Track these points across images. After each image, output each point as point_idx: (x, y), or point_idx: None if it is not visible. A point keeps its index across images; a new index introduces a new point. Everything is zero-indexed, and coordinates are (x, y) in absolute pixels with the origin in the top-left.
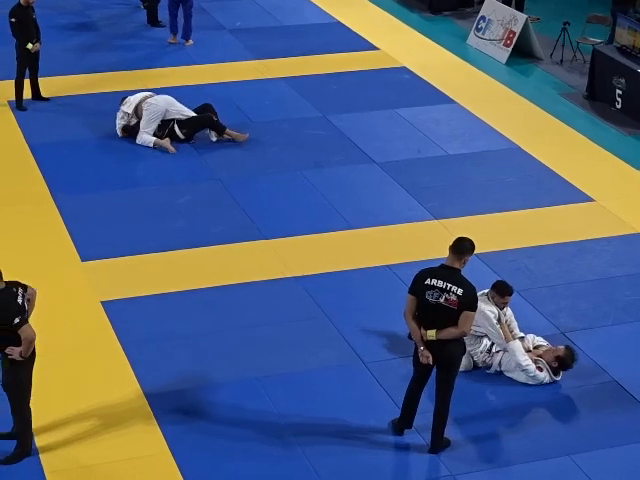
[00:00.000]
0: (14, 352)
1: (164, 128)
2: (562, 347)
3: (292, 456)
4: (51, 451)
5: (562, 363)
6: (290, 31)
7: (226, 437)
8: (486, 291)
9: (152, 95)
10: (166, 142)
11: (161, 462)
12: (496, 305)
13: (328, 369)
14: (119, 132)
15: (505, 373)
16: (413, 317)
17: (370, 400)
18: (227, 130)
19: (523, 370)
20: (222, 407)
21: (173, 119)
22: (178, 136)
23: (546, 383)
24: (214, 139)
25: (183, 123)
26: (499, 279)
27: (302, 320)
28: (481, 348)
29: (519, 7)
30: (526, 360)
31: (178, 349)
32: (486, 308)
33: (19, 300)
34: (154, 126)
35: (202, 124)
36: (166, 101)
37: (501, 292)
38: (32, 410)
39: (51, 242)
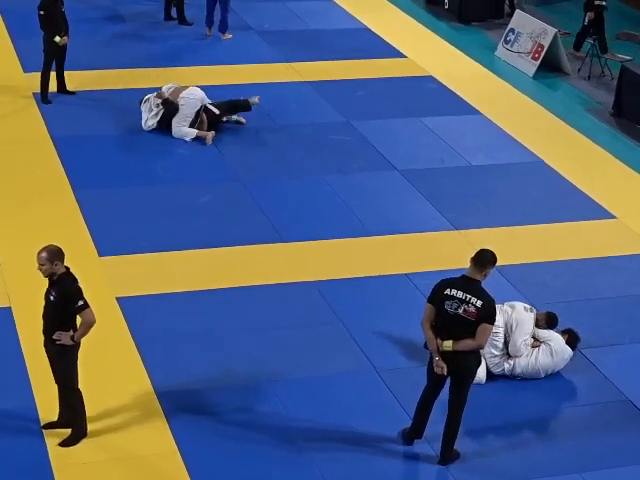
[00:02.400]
0: (62, 337)
1: (197, 116)
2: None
3: (301, 461)
4: (59, 447)
5: (568, 334)
6: (318, 35)
7: (235, 438)
8: (531, 307)
9: (182, 87)
10: (209, 134)
11: (169, 461)
12: (536, 327)
13: (341, 375)
14: (149, 126)
15: (523, 369)
16: (430, 326)
17: (381, 408)
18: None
19: (545, 339)
20: (233, 408)
21: (203, 105)
22: (213, 112)
23: (565, 357)
24: (233, 118)
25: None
26: (550, 312)
27: (317, 325)
28: (497, 359)
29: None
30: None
31: (191, 348)
32: (528, 320)
33: (79, 284)
34: (191, 119)
35: (227, 108)
36: (201, 95)
37: (551, 324)
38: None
39: (70, 235)
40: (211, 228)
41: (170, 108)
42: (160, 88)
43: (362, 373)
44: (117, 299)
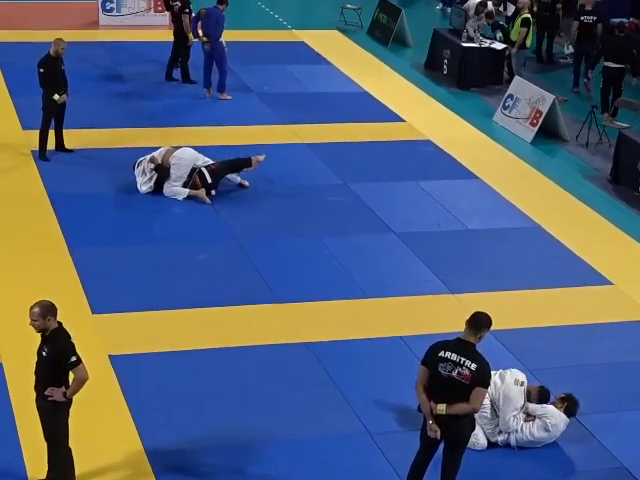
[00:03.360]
0: (55, 393)
1: (191, 175)
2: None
3: None
4: None
5: (567, 401)
6: (317, 98)
7: None
8: (523, 379)
9: (174, 148)
10: (201, 192)
11: None
12: (527, 400)
13: (333, 438)
14: (144, 191)
15: (518, 441)
16: (424, 389)
17: (374, 472)
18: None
19: (540, 415)
20: (224, 469)
21: (197, 168)
22: (206, 180)
23: (560, 427)
24: (238, 180)
25: (210, 169)
26: (544, 386)
27: (310, 387)
28: (492, 426)
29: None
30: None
31: (183, 408)
32: (517, 395)
33: (72, 339)
34: (184, 178)
35: (227, 168)
36: (192, 156)
37: (543, 399)
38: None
39: (63, 292)
40: (206, 287)
41: (163, 173)
42: (155, 149)
43: (355, 436)
44: (109, 357)
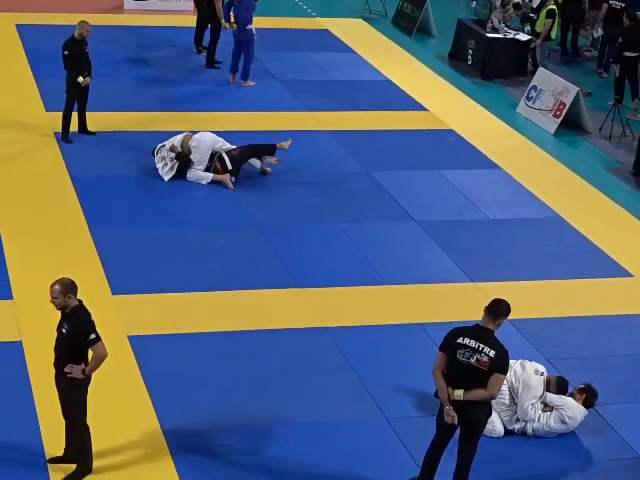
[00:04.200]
0: (74, 370)
1: (212, 160)
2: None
3: None
4: None
5: (587, 393)
6: (341, 86)
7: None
8: (543, 370)
9: (192, 134)
10: (226, 177)
11: None
12: (546, 390)
13: (350, 422)
14: (168, 176)
15: (535, 431)
16: (441, 375)
17: (390, 456)
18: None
19: (558, 406)
20: (240, 450)
21: (217, 153)
22: (226, 165)
23: (578, 419)
24: (258, 166)
25: (229, 152)
26: (563, 377)
27: (328, 371)
28: (509, 413)
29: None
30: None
31: (200, 389)
32: (537, 384)
33: (92, 317)
34: (206, 162)
35: (245, 150)
36: (212, 139)
37: (561, 391)
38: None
39: (84, 272)
40: (226, 271)
41: (184, 160)
42: (178, 133)
43: (372, 421)
44: (128, 337)
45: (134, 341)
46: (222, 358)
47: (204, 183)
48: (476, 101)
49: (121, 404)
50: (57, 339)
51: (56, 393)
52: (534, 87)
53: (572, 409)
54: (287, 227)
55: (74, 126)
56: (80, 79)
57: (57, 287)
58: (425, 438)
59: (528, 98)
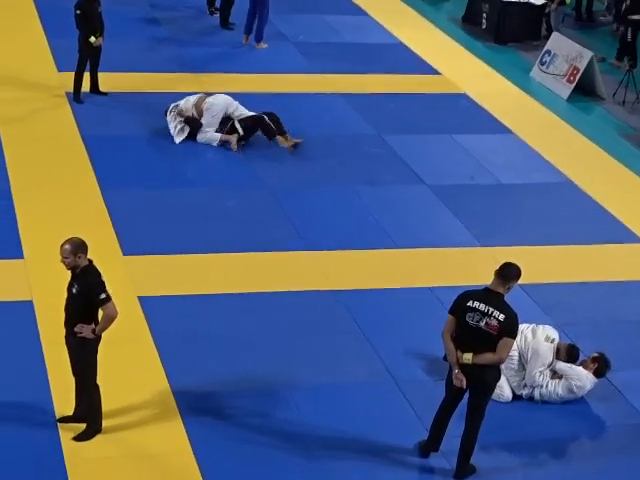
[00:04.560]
0: (84, 330)
1: (224, 124)
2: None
3: (315, 468)
4: (73, 441)
5: (599, 362)
6: (353, 49)
7: (249, 442)
8: (554, 337)
9: (207, 95)
10: (233, 138)
11: (182, 460)
12: (555, 358)
13: (359, 385)
14: (179, 138)
15: (542, 396)
16: (451, 338)
17: (398, 419)
18: (279, 137)
19: (568, 376)
20: (249, 412)
21: (232, 121)
22: (237, 131)
23: (587, 388)
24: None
25: (243, 120)
26: (574, 345)
27: (338, 334)
28: (518, 378)
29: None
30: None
31: (210, 351)
32: (546, 352)
33: (102, 277)
34: (217, 125)
35: (257, 124)
36: (225, 100)
37: (572, 359)
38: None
39: (95, 233)
40: (236, 233)
41: (195, 124)
42: (190, 95)
43: (381, 383)
44: (139, 298)
45: (144, 302)
46: (232, 320)
47: (214, 144)
48: (489, 65)
49: (131, 364)
50: (67, 299)
51: (66, 352)
52: (548, 52)
53: (581, 379)
54: (298, 189)
55: (86, 86)
56: (92, 39)
57: (67, 247)
58: (434, 401)
59: (542, 63)
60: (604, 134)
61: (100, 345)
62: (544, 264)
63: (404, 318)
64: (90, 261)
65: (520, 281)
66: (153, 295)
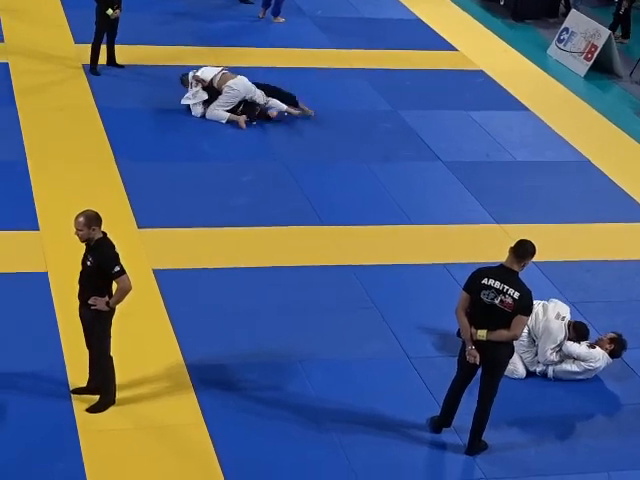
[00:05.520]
0: (98, 302)
1: (238, 106)
2: (611, 334)
3: (326, 441)
4: (87, 412)
5: (616, 344)
6: (370, 24)
7: (262, 415)
8: (565, 314)
9: (231, 75)
10: (241, 119)
11: (195, 432)
12: (566, 337)
13: (372, 360)
14: (197, 113)
15: (556, 373)
16: (465, 314)
17: (411, 395)
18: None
19: (576, 356)
20: (262, 386)
21: (245, 101)
22: (253, 108)
23: (601, 368)
24: (284, 108)
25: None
26: (583, 323)
27: (352, 309)
28: (530, 354)
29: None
30: (574, 342)
31: (224, 324)
32: (558, 330)
33: (117, 250)
34: (229, 107)
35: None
36: (246, 89)
37: (581, 337)
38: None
39: (110, 205)
40: (251, 207)
41: (213, 94)
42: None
43: (394, 359)
44: (153, 271)
45: (159, 275)
46: (246, 294)
47: (223, 122)
48: (507, 42)
49: (145, 337)
50: (82, 271)
51: (80, 325)
52: (566, 29)
53: (597, 361)
54: (314, 165)
55: (102, 59)
56: (109, 11)
57: (81, 219)
58: (446, 378)
59: (559, 40)
60: (620, 112)
61: (114, 317)
62: (558, 242)
63: (418, 294)
64: (104, 234)
65: (534, 259)
66: (167, 268)
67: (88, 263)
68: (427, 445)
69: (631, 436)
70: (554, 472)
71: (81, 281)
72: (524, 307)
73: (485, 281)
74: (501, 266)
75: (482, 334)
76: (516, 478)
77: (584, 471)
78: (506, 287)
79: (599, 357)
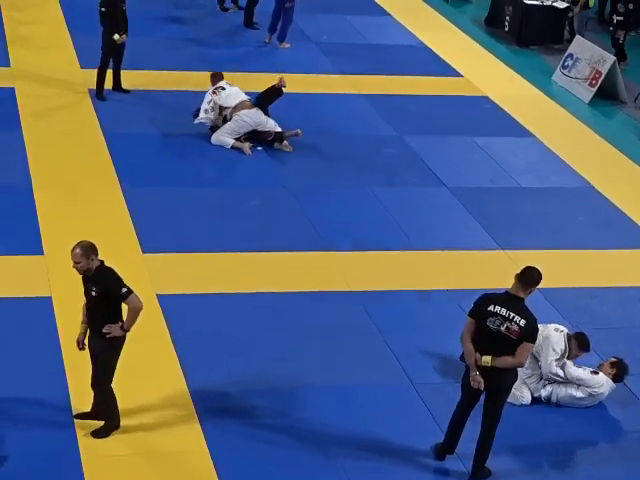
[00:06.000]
0: (113, 329)
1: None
2: (612, 359)
3: (330, 467)
4: (90, 437)
5: (617, 368)
6: (375, 50)
7: (266, 441)
8: (563, 329)
9: (247, 106)
10: (246, 145)
11: (198, 459)
12: (568, 349)
13: (376, 386)
14: (200, 119)
15: (561, 399)
16: (470, 340)
17: (415, 421)
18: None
19: (578, 381)
20: (265, 411)
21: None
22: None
23: (605, 394)
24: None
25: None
26: (583, 333)
27: (356, 335)
28: (534, 379)
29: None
30: (579, 368)
31: (228, 349)
32: (558, 340)
33: (118, 273)
34: (235, 136)
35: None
36: (256, 122)
37: (583, 346)
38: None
39: (115, 230)
40: (256, 232)
41: (222, 119)
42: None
43: (398, 385)
44: (157, 296)
45: (163, 300)
46: (250, 319)
47: (227, 147)
48: (511, 68)
49: (149, 362)
50: (88, 303)
51: (84, 351)
52: (570, 55)
53: (601, 387)
54: (318, 190)
55: (108, 84)
56: (116, 36)
57: (78, 250)
58: (451, 404)
59: (564, 66)
60: (625, 139)
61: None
62: (563, 268)
63: (422, 320)
64: (101, 261)
65: (540, 285)
66: (172, 293)
67: (93, 293)
68: (431, 472)
69: (634, 463)
70: None
71: (89, 314)
72: (530, 335)
73: (492, 308)
74: (507, 293)
75: (487, 360)
76: None
77: None
78: (512, 314)
79: (602, 382)
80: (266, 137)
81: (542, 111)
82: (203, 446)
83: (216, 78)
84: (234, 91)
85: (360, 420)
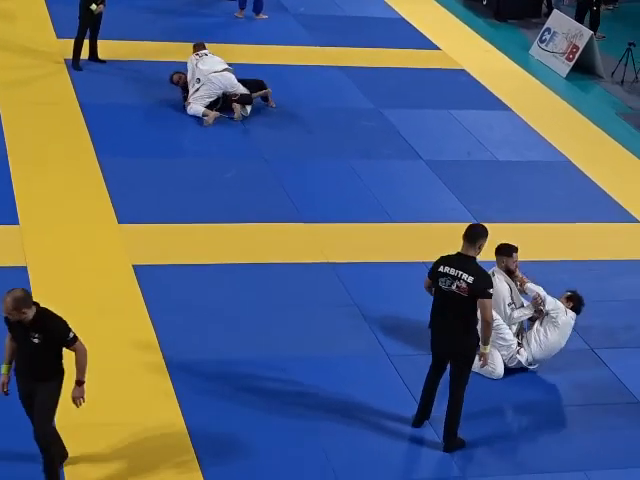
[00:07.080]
0: (77, 392)
1: (216, 101)
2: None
3: (305, 431)
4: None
5: (573, 301)
6: (353, 22)
7: (243, 405)
8: (492, 270)
9: (221, 70)
10: (211, 115)
11: (174, 430)
12: (507, 272)
13: (351, 357)
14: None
15: (535, 354)
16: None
17: (389, 392)
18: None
19: (549, 310)
20: (242, 384)
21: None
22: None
23: (571, 324)
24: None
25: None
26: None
27: (332, 306)
28: (510, 351)
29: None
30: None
31: (204, 321)
32: (498, 285)
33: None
34: (207, 101)
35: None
36: (225, 83)
37: (508, 252)
38: None
39: (90, 201)
40: (232, 203)
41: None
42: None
43: (373, 357)
44: (133, 267)
45: (139, 271)
46: (226, 290)
47: (200, 116)
48: (489, 42)
49: (124, 334)
50: (25, 351)
51: None
52: (548, 29)
53: (562, 312)
54: (295, 161)
55: (85, 54)
56: (93, 6)
57: (9, 301)
58: (423, 375)
59: (541, 40)
60: (602, 113)
61: (94, 316)
62: (539, 241)
63: (398, 292)
64: (37, 304)
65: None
66: (148, 264)
67: (35, 341)
68: (406, 441)
69: (607, 435)
70: (531, 470)
71: (26, 361)
72: (480, 290)
73: (441, 269)
74: (458, 253)
75: (486, 348)
76: (493, 476)
77: (562, 469)
78: (460, 272)
79: (563, 308)
80: (232, 97)
81: (519, 85)
82: (178, 414)
83: (198, 47)
84: (217, 60)
85: (336, 389)
